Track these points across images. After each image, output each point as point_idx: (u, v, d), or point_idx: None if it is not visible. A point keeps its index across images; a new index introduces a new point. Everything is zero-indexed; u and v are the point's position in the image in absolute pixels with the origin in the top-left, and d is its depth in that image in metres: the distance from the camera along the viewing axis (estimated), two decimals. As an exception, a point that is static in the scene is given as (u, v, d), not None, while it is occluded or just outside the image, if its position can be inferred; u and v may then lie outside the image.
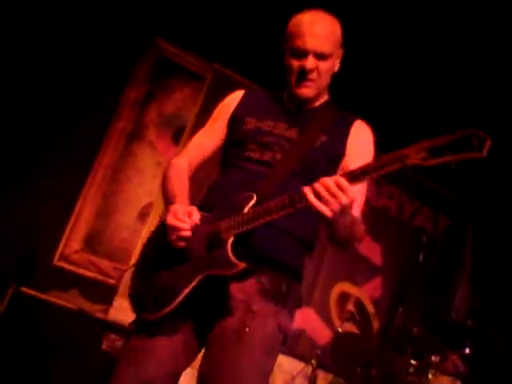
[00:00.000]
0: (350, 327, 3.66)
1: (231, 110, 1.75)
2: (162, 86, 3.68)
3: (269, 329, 1.51)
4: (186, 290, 1.48)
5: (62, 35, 3.36)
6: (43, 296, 3.07)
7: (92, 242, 3.49)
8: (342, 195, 1.28)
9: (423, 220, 4.42)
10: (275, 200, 1.41)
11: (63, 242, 3.41)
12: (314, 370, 3.23)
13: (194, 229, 1.50)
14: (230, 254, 1.46)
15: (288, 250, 1.58)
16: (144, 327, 1.55)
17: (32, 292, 3.03)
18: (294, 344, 3.75)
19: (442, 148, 1.20)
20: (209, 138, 1.77)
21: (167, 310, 1.48)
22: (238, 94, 1.80)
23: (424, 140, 1.24)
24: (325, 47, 1.61)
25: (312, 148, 1.61)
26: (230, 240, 1.47)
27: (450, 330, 3.24)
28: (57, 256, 3.39)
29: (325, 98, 1.74)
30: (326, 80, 1.67)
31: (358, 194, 1.53)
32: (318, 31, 1.61)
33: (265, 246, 1.54)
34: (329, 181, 1.29)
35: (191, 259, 1.52)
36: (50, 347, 2.89)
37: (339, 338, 3.43)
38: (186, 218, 1.49)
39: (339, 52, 1.69)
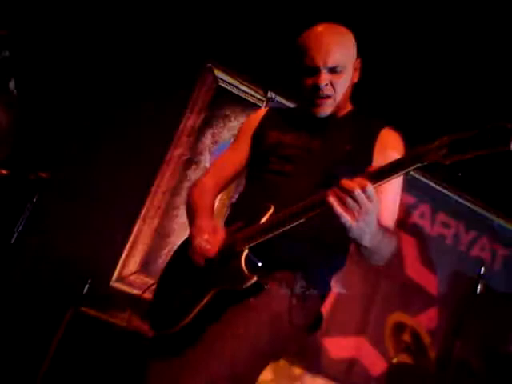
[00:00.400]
0: (406, 358, 3.56)
1: (255, 126, 1.75)
2: (218, 114, 3.78)
3: (276, 308, 1.46)
4: (199, 305, 1.47)
5: (123, 63, 3.51)
6: (101, 316, 3.14)
7: (148, 264, 3.57)
8: (367, 202, 1.22)
9: (481, 250, 4.29)
10: (291, 208, 1.37)
11: (121, 263, 3.50)
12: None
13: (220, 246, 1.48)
14: (243, 266, 1.43)
15: (306, 258, 1.51)
16: (163, 342, 1.54)
17: (91, 312, 3.11)
18: (346, 373, 3.68)
19: (464, 143, 1.13)
20: (234, 156, 1.77)
21: (182, 324, 1.48)
22: (262, 111, 1.82)
23: (446, 136, 1.17)
24: (336, 60, 1.55)
25: (335, 158, 1.55)
26: (245, 252, 1.45)
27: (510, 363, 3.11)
28: (114, 277, 3.49)
29: (348, 108, 1.69)
30: (343, 93, 1.61)
31: (391, 201, 1.51)
32: (326, 45, 1.55)
33: (281, 256, 1.49)
34: (354, 186, 1.21)
35: (207, 273, 1.50)
36: (107, 365, 2.93)
37: (394, 369, 3.36)
38: (211, 237, 1.49)
39: (355, 62, 1.63)
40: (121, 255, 3.50)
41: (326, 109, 1.60)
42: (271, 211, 1.46)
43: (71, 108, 3.38)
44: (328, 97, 1.58)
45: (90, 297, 3.21)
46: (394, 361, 3.50)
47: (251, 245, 1.44)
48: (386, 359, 3.73)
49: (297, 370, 3.52)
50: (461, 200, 4.12)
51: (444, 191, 4.13)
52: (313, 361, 3.63)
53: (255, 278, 1.40)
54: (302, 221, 1.36)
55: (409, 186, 3.93)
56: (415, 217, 4.13)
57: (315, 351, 3.67)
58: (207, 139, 3.78)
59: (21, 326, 3.05)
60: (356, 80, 1.65)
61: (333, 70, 1.55)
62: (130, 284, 3.50)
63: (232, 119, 3.82)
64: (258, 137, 1.72)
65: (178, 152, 3.68)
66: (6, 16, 1.79)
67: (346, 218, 1.23)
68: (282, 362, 3.42)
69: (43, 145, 3.13)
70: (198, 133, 3.74)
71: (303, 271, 1.51)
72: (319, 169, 1.53)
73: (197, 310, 1.47)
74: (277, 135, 1.66)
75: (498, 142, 1.09)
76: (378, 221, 1.33)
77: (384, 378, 3.52)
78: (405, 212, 4.09)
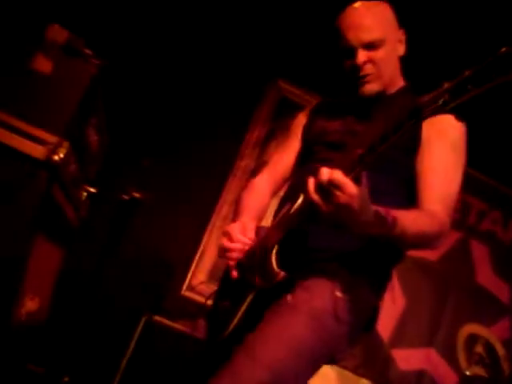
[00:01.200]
0: (479, 370, 3.46)
1: (304, 121, 1.71)
2: (281, 124, 3.82)
3: (317, 304, 1.36)
4: (242, 310, 1.43)
5: (189, 77, 3.62)
6: (173, 324, 3.25)
7: (216, 274, 3.64)
8: (338, 193, 1.14)
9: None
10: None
11: (190, 273, 3.61)
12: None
13: (250, 245, 1.43)
14: (272, 261, 1.35)
15: (347, 242, 1.39)
16: (218, 350, 1.51)
17: (163, 320, 3.22)
18: (416, 385, 3.63)
19: (464, 83, 1.04)
20: (286, 154, 1.72)
21: (228, 331, 1.44)
22: (312, 104, 1.77)
23: (445, 82, 1.08)
24: (371, 35, 1.47)
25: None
26: (275, 248, 1.37)
27: None
28: (184, 287, 3.60)
29: (400, 84, 1.59)
30: (388, 67, 1.51)
31: (438, 181, 1.38)
32: (358, 21, 1.47)
33: (318, 243, 1.41)
34: (323, 175, 1.16)
35: (247, 277, 1.44)
36: (179, 373, 3.03)
37: (467, 381, 3.27)
38: (239, 236, 1.44)
39: (396, 34, 1.53)
40: (191, 265, 3.60)
41: (371, 87, 1.51)
42: (300, 201, 1.37)
43: (148, 125, 3.52)
44: (370, 75, 1.49)
45: (163, 306, 3.34)
46: (467, 373, 3.41)
47: (282, 236, 1.37)
48: (457, 371, 3.64)
49: (365, 382, 3.50)
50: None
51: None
52: (381, 372, 3.60)
53: (283, 274, 1.33)
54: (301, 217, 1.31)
55: (479, 192, 3.83)
56: (487, 223, 4.00)
57: (383, 363, 3.63)
58: (271, 149, 3.82)
59: (95, 336, 3.20)
60: (402, 53, 1.55)
61: (370, 47, 1.47)
62: (200, 293, 3.59)
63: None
64: (307, 128, 1.68)
65: (243, 163, 3.75)
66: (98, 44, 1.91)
67: (317, 205, 1.18)
68: (349, 374, 3.42)
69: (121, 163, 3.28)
70: (263, 144, 3.80)
71: (345, 258, 1.41)
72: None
73: (240, 314, 1.43)
74: (322, 123, 1.62)
75: (501, 71, 1.01)
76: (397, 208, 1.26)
77: (456, 391, 3.44)
78: (476, 218, 3.98)
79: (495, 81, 1.01)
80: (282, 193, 1.69)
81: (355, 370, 3.49)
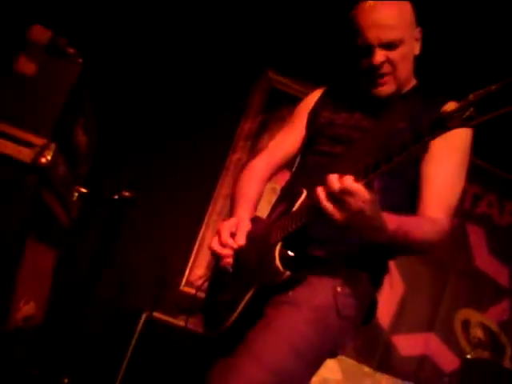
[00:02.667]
0: (480, 353, 3.49)
1: (311, 106, 1.65)
2: (274, 115, 3.80)
3: (319, 301, 1.35)
4: (242, 304, 1.41)
5: (178, 72, 3.60)
6: (173, 320, 3.25)
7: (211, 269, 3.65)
8: (351, 200, 1.13)
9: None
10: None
11: (188, 268, 3.60)
12: (442, 398, 3.11)
13: (244, 246, 1.40)
14: (276, 260, 1.33)
15: (346, 237, 1.36)
16: (216, 343, 1.51)
17: (163, 317, 3.22)
18: (417, 370, 3.64)
19: (493, 99, 0.97)
20: (288, 136, 1.68)
21: (227, 326, 1.43)
22: (319, 91, 1.70)
23: (470, 94, 1.01)
24: (390, 34, 1.42)
25: (386, 137, 1.39)
26: (278, 245, 1.35)
27: None
28: (183, 282, 3.59)
29: (411, 83, 1.56)
30: (405, 68, 1.48)
31: (441, 188, 1.38)
32: (378, 19, 1.42)
33: (318, 239, 1.39)
34: (333, 183, 1.14)
35: (246, 272, 1.43)
36: (180, 369, 3.03)
37: (469, 365, 3.29)
38: (229, 240, 1.40)
39: (414, 32, 1.49)
40: (189, 260, 3.60)
41: (388, 88, 1.48)
42: (302, 198, 1.37)
43: (137, 122, 3.49)
44: (387, 75, 1.46)
45: (163, 302, 3.34)
46: (469, 356, 3.44)
47: (285, 235, 1.35)
48: (459, 355, 3.65)
49: (366, 369, 3.52)
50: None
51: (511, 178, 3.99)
52: (382, 359, 3.61)
53: (288, 273, 1.31)
54: (309, 218, 1.28)
55: (474, 176, 3.82)
56: (483, 206, 4.00)
57: (384, 349, 3.65)
58: (264, 140, 3.80)
59: (96, 335, 3.21)
60: (418, 52, 1.52)
61: (389, 46, 1.43)
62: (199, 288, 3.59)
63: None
64: (312, 116, 1.63)
65: (236, 156, 3.73)
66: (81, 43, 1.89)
67: (330, 214, 1.16)
68: (351, 361, 3.43)
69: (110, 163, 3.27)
70: (256, 136, 3.78)
71: (345, 254, 1.41)
72: (368, 150, 1.39)
73: (239, 310, 1.41)
74: (329, 114, 1.58)
75: None
76: (406, 215, 1.27)
77: (457, 374, 3.45)
78: (471, 202, 3.98)
79: None
80: (278, 184, 1.69)
81: (356, 358, 3.51)
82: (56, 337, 2.67)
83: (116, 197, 2.03)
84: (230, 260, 1.41)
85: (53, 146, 1.64)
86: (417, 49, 1.52)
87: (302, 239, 1.37)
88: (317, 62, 3.63)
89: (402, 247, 1.35)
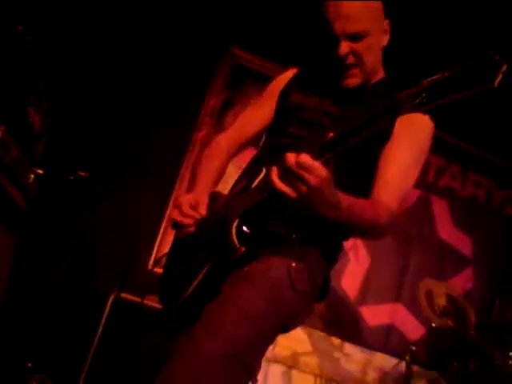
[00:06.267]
0: (445, 321, 3.58)
1: (282, 85, 1.66)
2: (238, 92, 3.77)
3: (274, 274, 1.38)
4: (198, 279, 1.43)
5: (142, 49, 3.54)
6: (141, 300, 3.24)
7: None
8: (308, 176, 1.14)
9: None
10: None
11: (156, 248, 3.59)
12: (408, 366, 3.19)
13: (205, 217, 1.42)
14: (233, 236, 1.36)
15: (301, 215, 1.37)
16: (175, 315, 1.54)
17: (131, 297, 3.21)
18: (384, 340, 3.72)
19: (444, 85, 1.00)
20: (257, 113, 1.68)
21: (182, 299, 1.45)
22: (292, 71, 1.70)
23: (424, 80, 1.03)
24: (356, 26, 1.43)
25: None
26: (235, 221, 1.37)
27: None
28: (151, 262, 3.58)
29: (379, 75, 1.58)
30: (371, 59, 1.50)
31: (394, 174, 1.40)
32: (344, 11, 1.42)
33: (274, 217, 1.41)
34: (290, 160, 1.15)
35: (204, 246, 1.46)
36: (147, 347, 3.04)
37: (434, 333, 3.38)
38: (190, 211, 1.42)
39: (381, 24, 1.50)
40: (156, 240, 3.58)
41: (354, 80, 1.50)
42: (261, 175, 1.39)
43: (96, 101, 3.43)
44: (353, 66, 1.47)
45: (130, 282, 3.32)
46: (433, 325, 3.52)
47: (242, 212, 1.37)
48: (424, 324, 3.75)
49: (335, 341, 3.58)
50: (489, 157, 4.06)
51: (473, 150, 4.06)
52: (350, 330, 3.68)
53: (243, 250, 1.34)
54: (264, 195, 1.31)
55: (438, 148, 3.87)
56: (445, 179, 4.07)
57: (352, 321, 3.72)
58: (230, 117, 3.78)
59: (64, 313, 3.18)
60: (385, 43, 1.53)
61: (354, 37, 1.44)
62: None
63: (253, 96, 3.81)
64: (283, 96, 1.63)
65: (201, 134, 3.71)
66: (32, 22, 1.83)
67: (286, 191, 1.17)
68: (320, 334, 3.49)
69: (70, 144, 3.21)
70: (221, 113, 3.75)
71: (299, 230, 1.44)
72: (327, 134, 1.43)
73: (195, 283, 1.44)
74: (300, 97, 1.58)
75: (482, 78, 0.96)
76: (354, 196, 1.30)
77: (423, 342, 3.55)
78: (435, 174, 4.04)
79: (477, 88, 0.97)
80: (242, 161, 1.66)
81: (325, 330, 3.57)
82: (18, 321, 2.64)
83: (71, 177, 1.99)
84: (191, 229, 1.42)
85: (1, 127, 1.59)
86: (385, 40, 1.52)
87: (259, 216, 1.38)
88: (282, 39, 3.61)
89: (350, 226, 1.37)
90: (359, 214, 1.33)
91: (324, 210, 1.24)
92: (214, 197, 1.55)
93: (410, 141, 1.46)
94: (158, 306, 3.22)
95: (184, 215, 1.43)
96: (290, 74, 1.69)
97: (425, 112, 1.45)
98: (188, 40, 3.62)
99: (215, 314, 1.32)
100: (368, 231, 1.41)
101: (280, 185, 1.18)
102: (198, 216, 1.42)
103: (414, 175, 1.48)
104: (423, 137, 1.49)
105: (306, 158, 1.14)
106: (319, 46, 1.50)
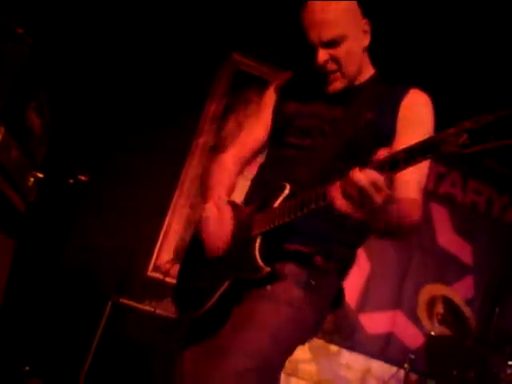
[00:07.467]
0: (444, 329, 3.56)
1: (276, 96, 1.64)
2: (239, 98, 3.78)
3: (296, 294, 1.39)
4: (219, 292, 1.42)
5: (143, 55, 3.56)
6: (139, 306, 3.23)
7: (181, 253, 3.64)
8: (376, 196, 1.11)
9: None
10: (304, 194, 1.27)
11: (155, 253, 3.58)
12: (407, 374, 3.17)
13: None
14: (256, 255, 1.36)
15: (320, 231, 1.41)
16: (192, 327, 1.53)
17: (130, 302, 3.20)
18: (383, 348, 3.71)
19: (486, 130, 0.98)
20: (256, 129, 1.67)
21: (205, 309, 1.44)
22: (283, 78, 1.68)
23: (466, 121, 1.01)
24: (330, 32, 1.42)
25: (356, 127, 1.43)
26: (258, 239, 1.38)
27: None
28: (150, 267, 3.58)
29: (369, 73, 1.57)
30: (352, 62, 1.48)
31: (417, 171, 1.36)
32: (317, 18, 1.42)
33: (295, 234, 1.41)
34: (362, 179, 1.11)
35: (225, 260, 1.45)
36: (147, 352, 3.03)
37: (433, 341, 3.36)
38: (218, 228, 1.43)
39: (359, 25, 1.47)
40: (155, 245, 3.58)
41: (337, 84, 1.49)
42: (285, 193, 1.38)
43: (97, 105, 3.44)
44: (333, 72, 1.46)
45: (129, 288, 3.32)
46: (433, 333, 3.51)
47: (265, 230, 1.37)
48: (424, 332, 3.73)
49: (334, 348, 3.57)
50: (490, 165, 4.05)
51: (474, 158, 4.06)
52: (349, 337, 3.67)
53: (269, 269, 1.34)
54: (310, 211, 1.27)
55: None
56: (446, 185, 4.07)
57: (351, 328, 3.70)
58: (231, 123, 3.79)
59: (62, 318, 3.17)
60: (367, 43, 1.51)
61: (330, 44, 1.43)
62: (166, 272, 3.57)
63: (254, 102, 3.81)
64: (278, 107, 1.62)
65: (202, 140, 3.71)
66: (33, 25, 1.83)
67: (350, 212, 1.14)
68: (319, 341, 3.48)
69: (71, 148, 3.22)
70: (221, 119, 3.76)
71: (320, 246, 1.43)
72: (339, 140, 1.44)
73: (217, 296, 1.43)
74: (296, 105, 1.56)
75: None
76: (399, 199, 1.29)
77: (422, 351, 3.53)
78: (435, 181, 4.04)
79: None
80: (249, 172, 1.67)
81: (324, 337, 3.55)
82: (17, 325, 2.64)
83: (71, 181, 1.99)
84: (224, 247, 1.44)
85: (1, 129, 1.59)
86: (366, 40, 1.51)
87: (282, 234, 1.39)
88: (283, 46, 3.61)
89: (390, 231, 1.33)
90: (403, 215, 1.31)
91: (381, 224, 1.24)
92: (235, 208, 1.53)
93: (419, 129, 1.40)
94: (157, 310, 3.23)
95: (216, 234, 1.45)
96: (281, 81, 1.68)
97: (421, 90, 1.49)
98: (189, 46, 3.63)
99: (240, 331, 1.34)
100: (404, 231, 1.37)
101: (346, 207, 1.14)
102: (226, 232, 1.44)
103: (427, 168, 1.45)
104: (429, 118, 1.47)
105: (377, 176, 1.10)
106: (303, 54, 1.50)
